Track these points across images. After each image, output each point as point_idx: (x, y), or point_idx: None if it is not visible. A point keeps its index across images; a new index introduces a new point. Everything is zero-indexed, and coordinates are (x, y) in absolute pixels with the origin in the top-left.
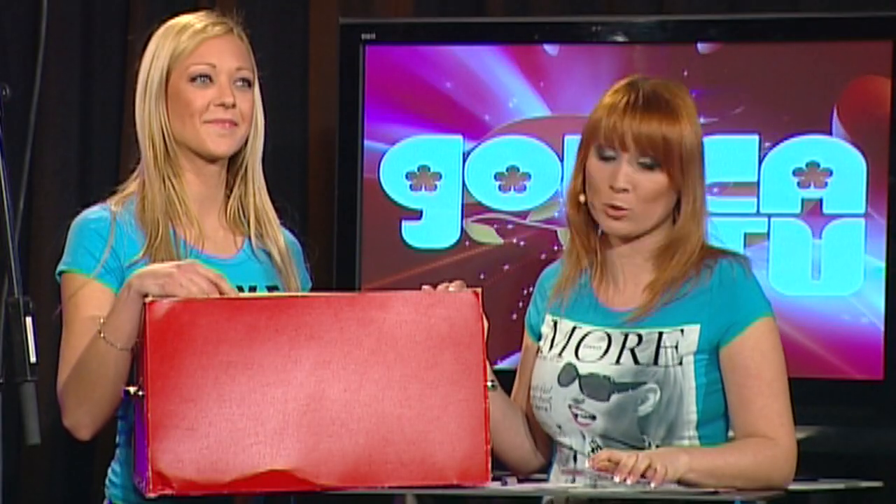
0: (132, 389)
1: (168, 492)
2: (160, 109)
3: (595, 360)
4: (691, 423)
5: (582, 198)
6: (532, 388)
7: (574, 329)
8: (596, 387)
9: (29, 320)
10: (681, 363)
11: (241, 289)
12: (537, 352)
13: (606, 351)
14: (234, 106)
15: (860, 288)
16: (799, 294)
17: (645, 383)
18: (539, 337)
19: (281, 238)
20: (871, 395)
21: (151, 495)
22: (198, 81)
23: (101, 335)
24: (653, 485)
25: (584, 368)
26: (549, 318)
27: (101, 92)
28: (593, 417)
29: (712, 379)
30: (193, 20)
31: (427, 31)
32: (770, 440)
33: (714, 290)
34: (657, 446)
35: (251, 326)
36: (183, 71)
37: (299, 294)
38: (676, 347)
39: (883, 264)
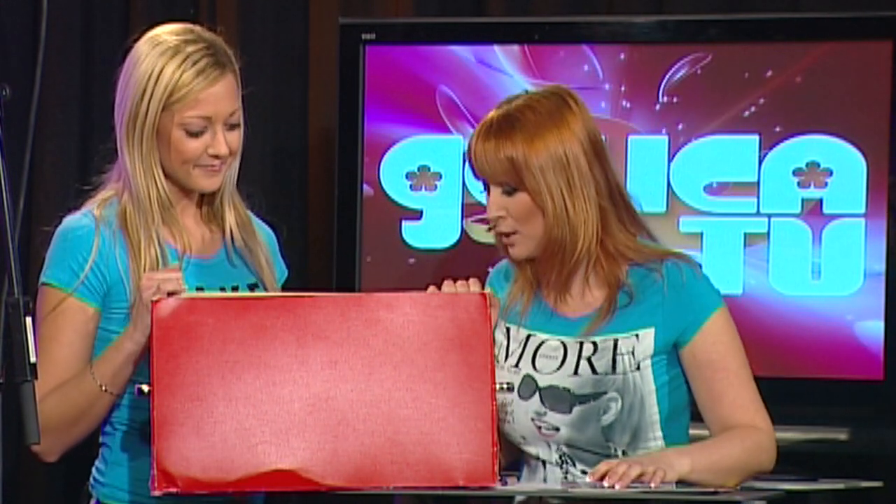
0: (146, 388)
1: (173, 490)
2: (151, 148)
3: (552, 371)
4: (655, 423)
5: None
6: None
7: (529, 337)
8: (557, 399)
9: (29, 320)
10: (638, 368)
11: (223, 289)
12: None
13: (563, 361)
14: (226, 155)
15: (860, 288)
16: (799, 294)
17: (605, 393)
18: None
19: (256, 231)
20: (871, 395)
21: (156, 493)
22: (192, 131)
23: (101, 386)
24: (652, 485)
25: (543, 381)
26: (502, 325)
27: (101, 92)
28: (557, 429)
29: (672, 376)
30: (192, 53)
31: (427, 31)
32: (752, 427)
33: (664, 293)
34: (623, 452)
35: (258, 326)
36: (178, 119)
37: (306, 294)
38: (633, 353)
39: (883, 264)
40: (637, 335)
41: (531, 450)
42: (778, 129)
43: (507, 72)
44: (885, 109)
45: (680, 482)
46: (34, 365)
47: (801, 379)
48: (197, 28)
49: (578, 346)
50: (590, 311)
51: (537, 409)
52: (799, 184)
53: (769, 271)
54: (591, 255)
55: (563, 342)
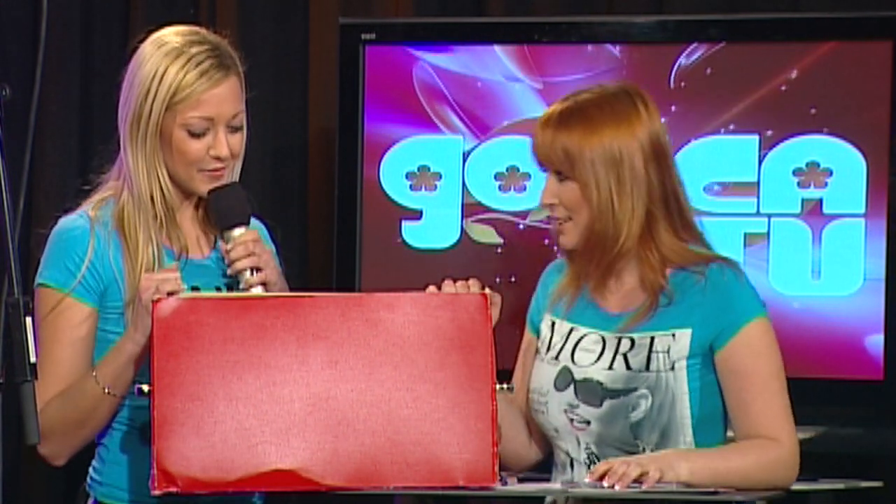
0: (146, 388)
1: (173, 489)
2: (155, 147)
3: (589, 364)
4: (686, 427)
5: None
6: (530, 391)
7: (571, 331)
8: (589, 392)
9: (29, 320)
10: (673, 368)
11: (218, 289)
12: (536, 351)
13: (600, 355)
14: (228, 157)
15: (860, 288)
16: (799, 294)
17: (636, 389)
18: (538, 333)
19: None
20: (871, 395)
21: (156, 493)
22: (194, 132)
23: (104, 389)
24: (644, 487)
25: (578, 373)
26: (548, 318)
27: (101, 92)
28: (588, 423)
29: (707, 382)
30: (196, 54)
31: (427, 31)
32: (773, 441)
33: (705, 293)
34: (652, 451)
35: (259, 325)
36: (180, 119)
37: (307, 294)
38: (668, 352)
39: (883, 264)
40: (674, 334)
41: (562, 445)
42: (778, 129)
43: (507, 72)
44: (885, 109)
45: (680, 484)
46: (34, 365)
47: (801, 379)
48: (203, 31)
49: (617, 341)
50: (631, 308)
51: (570, 401)
52: (799, 184)
53: (769, 271)
54: (630, 254)
55: (602, 336)
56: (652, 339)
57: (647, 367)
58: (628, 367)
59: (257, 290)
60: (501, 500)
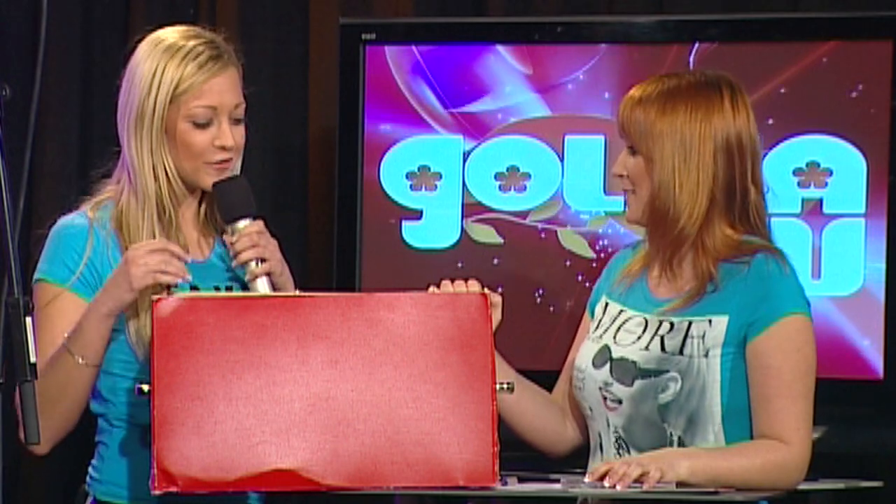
0: (146, 388)
1: (173, 489)
2: (160, 141)
3: (629, 344)
4: (715, 415)
5: None
6: (575, 367)
7: (620, 312)
8: (623, 371)
9: (29, 320)
10: (707, 355)
11: (217, 288)
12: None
13: (640, 336)
14: (233, 147)
15: (860, 288)
16: None
17: (667, 371)
18: (593, 314)
19: None
20: (871, 395)
21: (156, 493)
22: (200, 123)
23: (78, 358)
24: (645, 486)
25: (616, 352)
26: (603, 300)
27: (101, 92)
28: (620, 402)
29: (739, 373)
30: (194, 47)
31: (427, 31)
32: (782, 444)
33: (746, 282)
34: (679, 437)
35: (259, 325)
36: (185, 111)
37: (307, 294)
38: (703, 338)
39: (883, 264)
40: (710, 321)
41: (594, 427)
42: (778, 129)
43: (508, 72)
44: (885, 109)
45: (680, 483)
46: (34, 365)
47: None
48: (197, 28)
49: (658, 323)
50: (677, 295)
51: (605, 378)
52: (799, 184)
53: None
54: (690, 239)
55: (645, 318)
56: (689, 323)
57: (681, 351)
58: (663, 349)
59: (263, 281)
60: (501, 500)
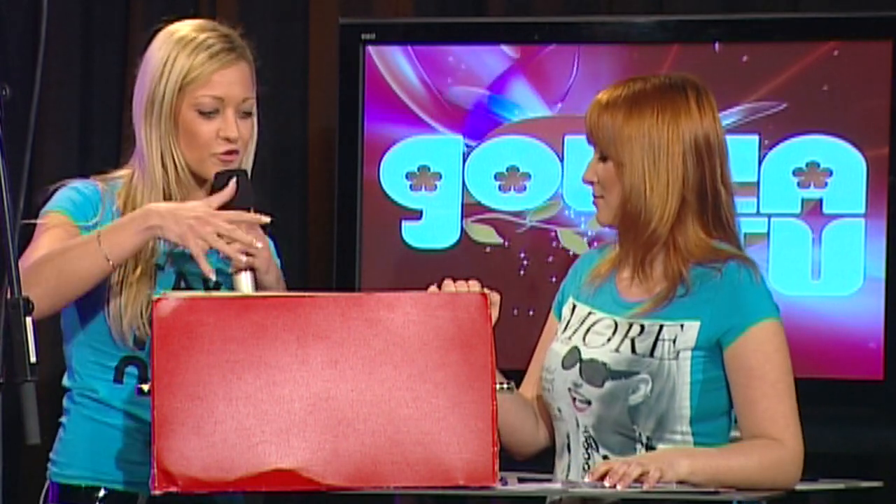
0: (146, 388)
1: (173, 489)
2: (169, 129)
3: (598, 346)
4: (684, 418)
5: None
6: (543, 369)
7: (588, 314)
8: (593, 372)
9: (29, 320)
10: (676, 357)
11: (209, 288)
12: (555, 333)
13: (610, 338)
14: (237, 139)
15: (860, 288)
16: (799, 294)
17: (638, 373)
18: (560, 316)
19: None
20: (871, 395)
21: (156, 493)
22: (205, 112)
23: (105, 256)
24: (645, 486)
25: (586, 353)
26: (570, 301)
27: (101, 92)
28: (589, 403)
29: (711, 377)
30: (206, 39)
31: (427, 31)
32: (776, 442)
33: (718, 289)
34: (647, 438)
35: (259, 325)
36: (192, 99)
37: (307, 294)
38: (674, 342)
39: (883, 264)
40: (682, 325)
41: (562, 428)
42: (778, 129)
43: (507, 72)
44: (885, 109)
45: (680, 483)
46: (34, 365)
47: (801, 379)
48: (214, 22)
49: (628, 325)
50: (648, 297)
51: (575, 380)
52: (799, 184)
53: (769, 271)
54: (661, 241)
55: (615, 321)
56: (661, 326)
57: (652, 354)
58: (633, 351)
59: (246, 276)
60: (501, 500)
